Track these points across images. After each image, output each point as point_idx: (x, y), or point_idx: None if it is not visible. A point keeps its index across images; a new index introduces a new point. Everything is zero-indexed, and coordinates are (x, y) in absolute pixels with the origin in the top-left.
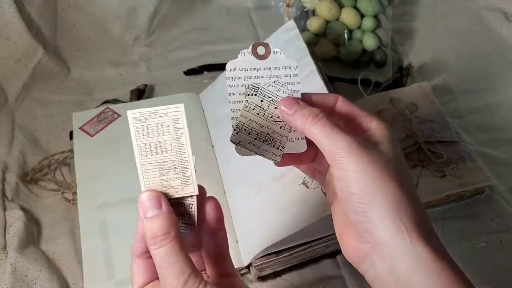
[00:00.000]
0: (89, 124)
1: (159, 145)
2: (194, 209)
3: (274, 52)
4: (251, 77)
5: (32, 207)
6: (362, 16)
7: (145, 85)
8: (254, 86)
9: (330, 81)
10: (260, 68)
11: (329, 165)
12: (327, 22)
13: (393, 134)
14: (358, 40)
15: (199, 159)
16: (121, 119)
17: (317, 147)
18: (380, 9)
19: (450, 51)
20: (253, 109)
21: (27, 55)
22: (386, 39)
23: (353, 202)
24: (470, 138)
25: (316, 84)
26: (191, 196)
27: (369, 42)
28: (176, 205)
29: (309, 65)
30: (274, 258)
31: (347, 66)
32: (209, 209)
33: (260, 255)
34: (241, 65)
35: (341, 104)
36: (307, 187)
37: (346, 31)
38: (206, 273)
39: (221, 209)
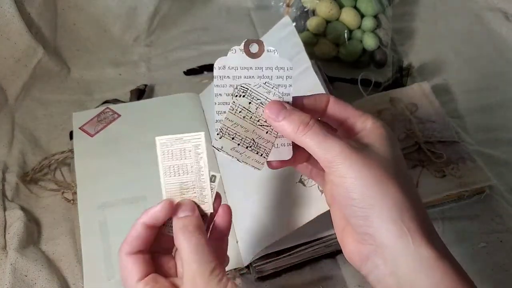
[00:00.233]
0: (89, 124)
1: (181, 167)
2: (209, 199)
3: (268, 51)
4: (240, 76)
5: (32, 207)
6: (362, 16)
7: (145, 85)
8: (243, 87)
9: (330, 81)
10: (251, 67)
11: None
12: (327, 22)
13: (389, 131)
14: (358, 40)
15: None
16: (121, 119)
17: None
18: (380, 9)
19: (450, 51)
20: (239, 112)
21: (27, 55)
22: (386, 39)
23: (353, 207)
24: (470, 138)
25: (311, 81)
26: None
27: (369, 42)
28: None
29: (305, 61)
30: (274, 258)
31: (347, 66)
32: (221, 214)
33: (260, 255)
34: (231, 63)
35: (333, 104)
36: (304, 185)
37: (346, 31)
38: None
39: (231, 217)
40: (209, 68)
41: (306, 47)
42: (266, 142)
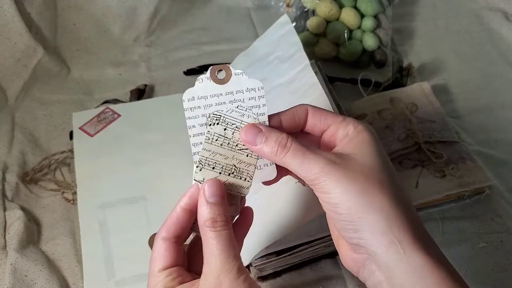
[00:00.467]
0: (89, 124)
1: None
2: (238, 202)
3: (235, 74)
4: (211, 104)
5: (32, 207)
6: (362, 16)
7: (145, 85)
8: (216, 114)
9: (330, 81)
10: (221, 94)
11: None
12: (327, 22)
13: (372, 135)
14: (358, 40)
15: None
16: (121, 119)
17: None
18: (380, 9)
19: (450, 51)
20: (216, 140)
21: (27, 55)
22: (386, 39)
23: (341, 221)
24: (470, 138)
25: (310, 79)
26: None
27: (369, 42)
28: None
29: (303, 59)
30: (274, 258)
31: (347, 66)
32: (245, 217)
33: (260, 255)
34: (200, 93)
35: (313, 114)
36: (303, 184)
37: (346, 31)
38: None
39: (252, 219)
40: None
41: (306, 47)
42: (247, 165)
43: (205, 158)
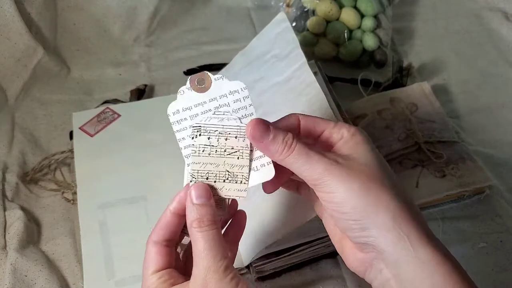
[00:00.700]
0: (89, 124)
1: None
2: (225, 206)
3: (215, 80)
4: (197, 114)
5: (32, 207)
6: (362, 16)
7: (145, 85)
8: (195, 126)
9: (330, 81)
10: (205, 102)
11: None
12: (327, 22)
13: (365, 136)
14: (358, 40)
15: None
16: (121, 119)
17: None
18: (380, 9)
19: (450, 51)
20: (203, 151)
21: (27, 55)
22: (386, 39)
23: (346, 221)
24: (470, 138)
25: (307, 77)
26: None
27: (369, 42)
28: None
29: (300, 57)
30: (274, 258)
31: (347, 66)
32: (238, 220)
33: (260, 255)
34: (184, 105)
35: (305, 122)
36: (299, 194)
37: (346, 31)
38: None
39: (245, 222)
40: (209, 68)
41: (306, 47)
42: (240, 167)
43: (197, 171)
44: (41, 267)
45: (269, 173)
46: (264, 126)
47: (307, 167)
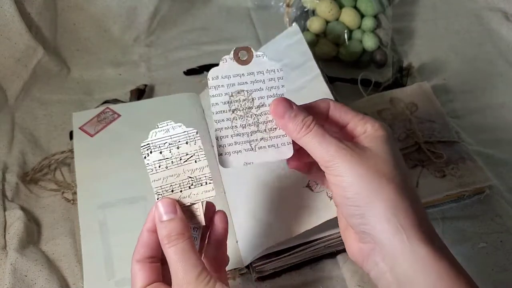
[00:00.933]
0: (89, 124)
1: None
2: (201, 212)
3: (257, 56)
4: (234, 84)
5: (32, 207)
6: (362, 16)
7: (145, 85)
8: (143, 147)
9: (330, 81)
10: (243, 74)
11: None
12: (327, 22)
13: (388, 133)
14: (358, 40)
15: None
16: (121, 119)
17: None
18: (380, 9)
19: (450, 51)
20: (159, 167)
21: (27, 55)
22: (386, 39)
23: (350, 206)
24: (470, 138)
25: (320, 88)
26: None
27: (369, 42)
28: (185, 210)
29: (314, 69)
30: (274, 258)
31: (347, 66)
32: (218, 221)
33: (260, 255)
34: (224, 73)
35: (334, 110)
36: (312, 190)
37: (346, 31)
38: None
39: (227, 222)
40: (209, 68)
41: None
42: (201, 169)
43: (160, 187)
44: (41, 267)
45: (288, 152)
46: (287, 104)
47: (320, 148)
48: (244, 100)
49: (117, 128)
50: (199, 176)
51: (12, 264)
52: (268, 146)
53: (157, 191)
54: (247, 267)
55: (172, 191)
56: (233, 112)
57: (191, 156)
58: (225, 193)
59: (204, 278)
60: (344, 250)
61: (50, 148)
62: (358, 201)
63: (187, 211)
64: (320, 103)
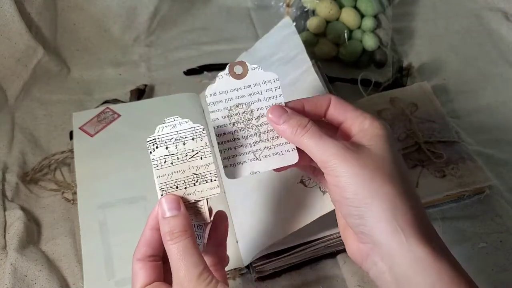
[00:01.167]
0: (89, 124)
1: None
2: (205, 209)
3: (251, 69)
4: (232, 98)
5: (32, 207)
6: (362, 16)
7: (145, 85)
8: (149, 142)
9: (330, 81)
10: (240, 88)
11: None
12: (327, 22)
13: (387, 131)
14: (358, 40)
15: None
16: (121, 119)
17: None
18: (380, 9)
19: (450, 51)
20: (165, 162)
21: (27, 55)
22: (386, 39)
23: (348, 206)
24: (470, 138)
25: (312, 81)
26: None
27: (369, 42)
28: (190, 207)
29: (306, 62)
30: (274, 258)
31: (347, 66)
32: (218, 220)
33: (260, 255)
34: (221, 89)
35: (334, 105)
36: (305, 185)
37: (346, 31)
38: None
39: (227, 223)
40: (209, 68)
41: (306, 47)
42: (206, 166)
43: (165, 183)
44: (41, 267)
45: (293, 158)
46: (281, 109)
47: (318, 148)
48: (243, 112)
49: (117, 128)
50: (204, 173)
51: (12, 264)
52: (272, 154)
53: (162, 187)
54: (247, 267)
55: (177, 187)
56: (233, 125)
57: (197, 153)
58: (225, 193)
59: (206, 278)
60: (344, 250)
61: (50, 148)
62: (357, 201)
63: (191, 208)
64: (321, 98)
